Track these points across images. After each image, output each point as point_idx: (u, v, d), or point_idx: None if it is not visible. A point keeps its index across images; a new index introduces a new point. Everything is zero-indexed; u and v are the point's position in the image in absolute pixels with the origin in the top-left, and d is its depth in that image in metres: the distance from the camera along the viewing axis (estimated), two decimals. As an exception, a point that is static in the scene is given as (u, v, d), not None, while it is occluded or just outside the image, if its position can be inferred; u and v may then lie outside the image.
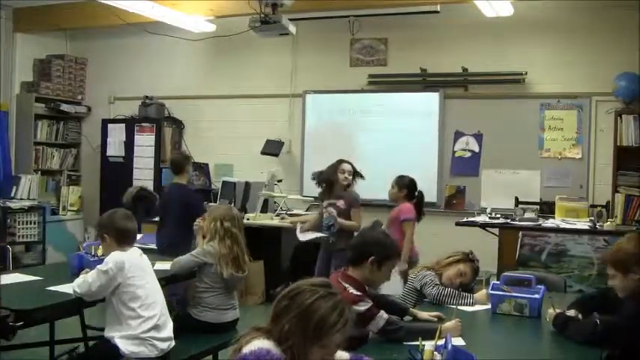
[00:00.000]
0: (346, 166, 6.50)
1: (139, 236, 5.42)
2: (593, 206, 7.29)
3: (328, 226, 6.32)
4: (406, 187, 6.51)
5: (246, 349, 2.22)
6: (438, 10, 8.03)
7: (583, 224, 6.77)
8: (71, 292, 3.90)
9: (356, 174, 6.58)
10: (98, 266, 3.83)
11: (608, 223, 6.63)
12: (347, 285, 3.35)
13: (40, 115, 10.05)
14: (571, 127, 7.99)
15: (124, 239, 3.98)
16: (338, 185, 6.44)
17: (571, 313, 3.50)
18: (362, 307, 3.29)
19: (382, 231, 3.65)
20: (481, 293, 4.16)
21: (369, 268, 3.42)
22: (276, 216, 8.23)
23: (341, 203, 6.41)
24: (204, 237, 4.75)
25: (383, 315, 3.32)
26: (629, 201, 7.20)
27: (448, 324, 3.32)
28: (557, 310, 3.53)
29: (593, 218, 6.82)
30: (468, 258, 4.48)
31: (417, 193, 6.52)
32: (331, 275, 3.65)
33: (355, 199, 6.49)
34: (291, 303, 2.25)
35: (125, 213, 4.12)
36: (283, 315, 2.24)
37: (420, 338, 2.93)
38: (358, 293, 3.34)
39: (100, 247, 4.36)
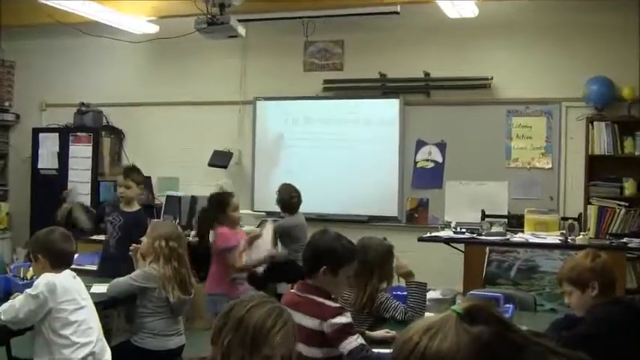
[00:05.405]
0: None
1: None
2: (564, 219, 7.36)
3: None
4: None
5: None
6: (398, 10, 8.06)
7: (554, 238, 6.82)
8: (-4, 319, 3.80)
9: None
10: (27, 290, 3.75)
11: (581, 236, 6.69)
12: (314, 297, 3.34)
13: (-38, 123, 9.86)
14: (540, 135, 8.08)
15: (60, 262, 3.91)
16: None
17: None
18: (342, 320, 3.28)
19: (334, 235, 3.60)
20: None
21: (323, 278, 3.40)
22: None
23: None
24: (145, 257, 4.67)
25: (359, 338, 3.30)
26: (603, 213, 7.29)
27: None
28: None
29: (564, 232, 6.89)
30: None
31: None
32: (286, 293, 3.62)
33: None
34: (227, 319, 2.26)
35: (63, 233, 4.06)
36: (222, 332, 2.24)
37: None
38: (336, 305, 3.34)
39: (30, 268, 4.26)
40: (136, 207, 6.23)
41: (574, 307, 3.48)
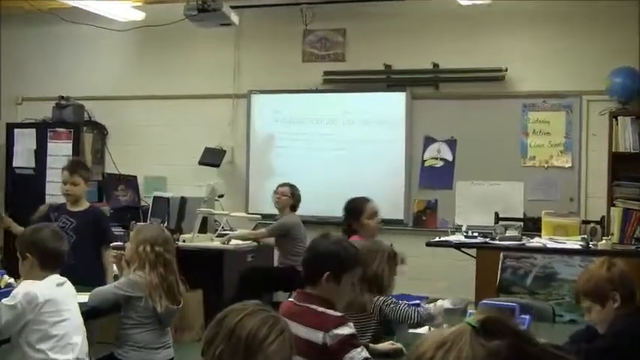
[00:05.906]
0: None
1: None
2: (585, 222, 7.35)
3: None
4: None
5: None
6: (404, -4, 8.08)
7: (574, 243, 6.81)
8: (-31, 331, 3.78)
9: None
10: (4, 300, 3.73)
11: (604, 241, 6.68)
12: (315, 307, 3.31)
13: None
14: (559, 131, 8.06)
15: (50, 262, 3.91)
16: None
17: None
18: (345, 330, 3.25)
19: (335, 239, 3.58)
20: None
21: (326, 286, 3.37)
22: (217, 237, 8.14)
23: None
24: (129, 264, 4.64)
25: (363, 351, 3.28)
26: (627, 216, 7.25)
27: None
28: None
29: (585, 236, 6.88)
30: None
31: None
32: (283, 303, 3.60)
33: None
34: (219, 328, 2.25)
35: (54, 230, 4.08)
36: (213, 343, 2.24)
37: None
38: (338, 314, 3.31)
39: (5, 276, 4.24)
40: (85, 205, 5.95)
41: (596, 323, 3.47)
